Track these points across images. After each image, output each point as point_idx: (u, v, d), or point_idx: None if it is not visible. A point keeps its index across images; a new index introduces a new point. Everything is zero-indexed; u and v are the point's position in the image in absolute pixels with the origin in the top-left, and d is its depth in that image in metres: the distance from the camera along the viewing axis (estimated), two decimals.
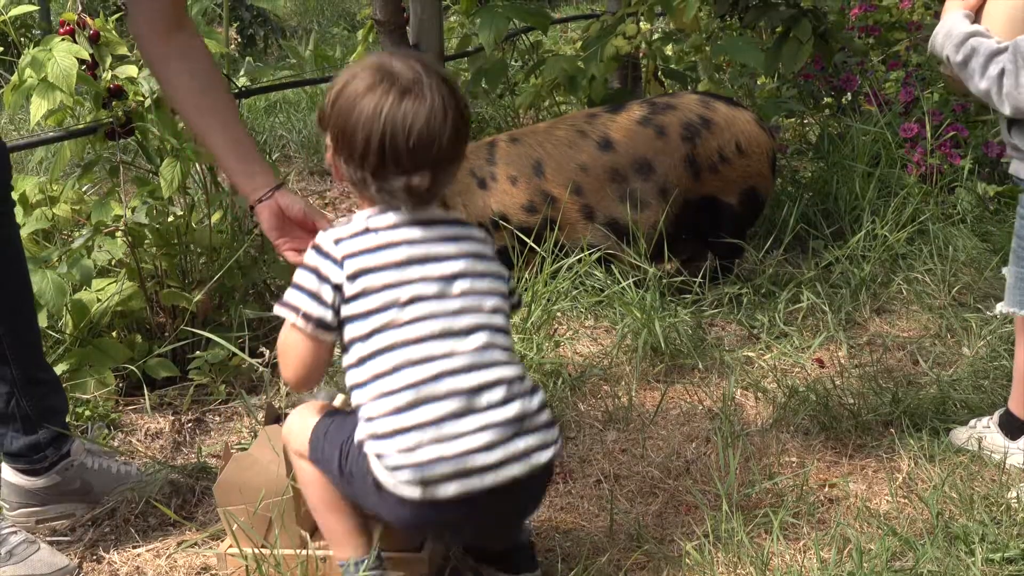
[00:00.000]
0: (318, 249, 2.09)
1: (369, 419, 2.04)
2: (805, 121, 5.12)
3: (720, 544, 2.34)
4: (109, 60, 3.21)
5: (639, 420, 2.96)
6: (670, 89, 4.74)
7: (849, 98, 4.81)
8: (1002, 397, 2.76)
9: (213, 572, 2.43)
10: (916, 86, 4.43)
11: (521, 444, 2.04)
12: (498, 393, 2.04)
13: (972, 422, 2.71)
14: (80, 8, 3.23)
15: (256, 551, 2.32)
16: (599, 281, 3.43)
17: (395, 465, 2.01)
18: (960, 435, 2.69)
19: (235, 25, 8.17)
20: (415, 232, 2.09)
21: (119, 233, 3.27)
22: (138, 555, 2.52)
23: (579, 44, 4.53)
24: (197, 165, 3.38)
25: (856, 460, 2.71)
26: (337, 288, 2.05)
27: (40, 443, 2.56)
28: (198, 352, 3.26)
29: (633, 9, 4.04)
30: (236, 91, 3.68)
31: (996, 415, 2.67)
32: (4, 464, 2.58)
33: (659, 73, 4.44)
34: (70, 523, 2.63)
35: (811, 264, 3.77)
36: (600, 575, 2.29)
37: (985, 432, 2.65)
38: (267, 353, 3.25)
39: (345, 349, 2.09)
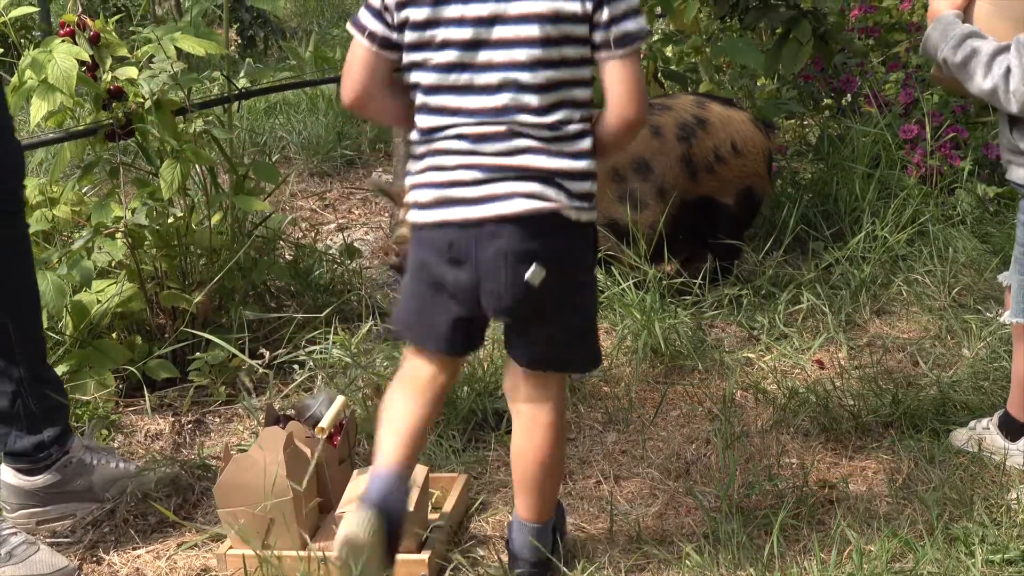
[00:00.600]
0: None
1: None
2: (805, 122, 5.12)
3: (720, 545, 2.34)
4: (109, 62, 3.21)
5: (639, 421, 2.96)
6: (670, 90, 4.74)
7: (849, 99, 4.81)
8: (1002, 398, 2.76)
9: (213, 573, 2.43)
10: (916, 87, 4.42)
11: (513, 187, 2.05)
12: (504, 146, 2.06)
13: (972, 423, 2.72)
14: (80, 10, 3.23)
15: (256, 552, 2.32)
16: (599, 282, 3.42)
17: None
18: (960, 436, 2.69)
19: (235, 26, 8.16)
20: None
21: (119, 234, 3.26)
22: (138, 556, 2.52)
23: None
24: (197, 167, 3.38)
25: (856, 461, 2.71)
26: (387, 10, 2.11)
27: (44, 442, 2.57)
28: (198, 353, 3.26)
29: None
30: (236, 92, 3.68)
31: (995, 416, 2.67)
32: (4, 466, 2.58)
33: (659, 74, 4.44)
34: (70, 524, 2.63)
35: (811, 265, 3.77)
36: None
37: (984, 434, 2.66)
38: (267, 354, 3.25)
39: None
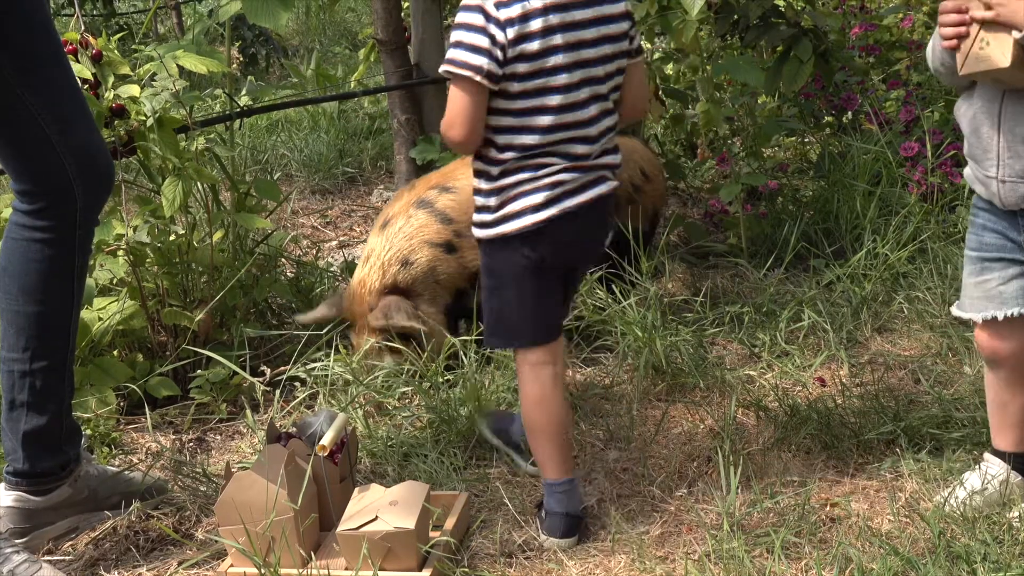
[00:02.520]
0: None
1: None
2: (806, 140, 5.13)
3: (722, 563, 2.33)
4: (111, 79, 3.22)
5: (640, 439, 2.96)
6: (670, 108, 4.75)
7: (850, 117, 4.81)
8: None
9: None
10: (917, 105, 4.43)
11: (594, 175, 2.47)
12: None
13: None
14: (83, 28, 3.24)
15: (258, 570, 2.32)
16: (601, 300, 3.42)
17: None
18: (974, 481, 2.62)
19: (237, 44, 8.18)
20: None
21: (121, 252, 3.27)
22: (138, 574, 2.51)
23: None
24: (199, 184, 3.39)
25: (858, 479, 2.71)
26: (498, 46, 2.36)
27: (69, 458, 2.58)
28: (199, 371, 3.26)
29: None
30: (237, 110, 3.69)
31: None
32: (5, 493, 2.57)
33: (660, 92, 4.45)
34: (71, 542, 2.63)
35: (812, 283, 3.78)
36: None
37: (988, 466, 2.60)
38: (268, 372, 3.26)
39: None
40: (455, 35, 2.37)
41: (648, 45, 4.26)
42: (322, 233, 4.84)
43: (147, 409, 3.19)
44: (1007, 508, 2.47)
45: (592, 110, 2.42)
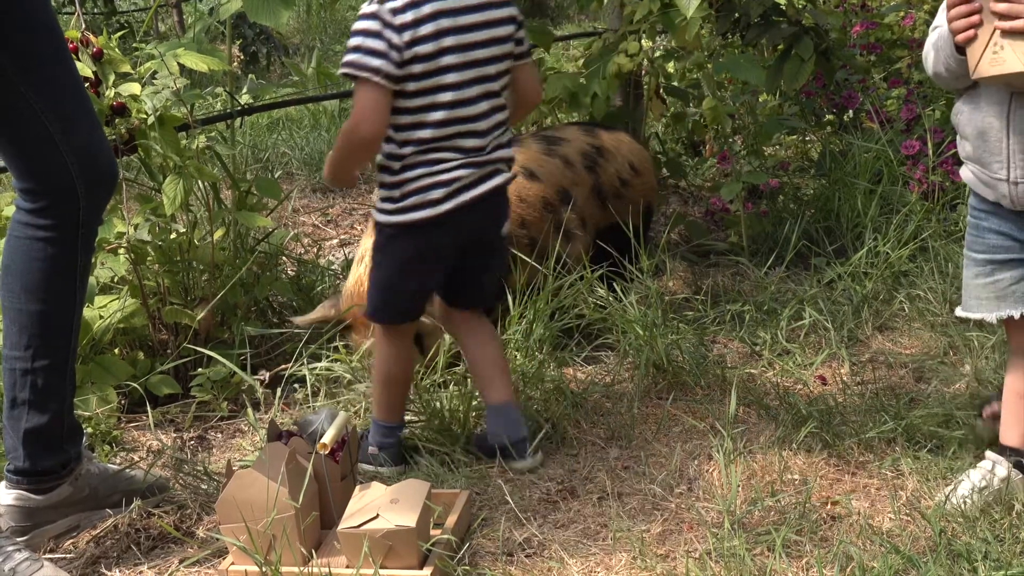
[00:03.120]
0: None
1: None
2: (807, 138, 5.13)
3: (723, 562, 2.33)
4: (112, 78, 3.22)
5: (641, 437, 2.96)
6: (671, 107, 4.74)
7: (851, 115, 4.81)
8: None
9: None
10: (918, 103, 4.43)
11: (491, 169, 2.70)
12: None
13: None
14: (84, 26, 3.24)
15: (259, 568, 2.32)
16: (602, 299, 3.42)
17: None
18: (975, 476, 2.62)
19: (238, 43, 8.19)
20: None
21: (122, 250, 3.27)
22: (140, 572, 2.51)
23: (581, 61, 4.53)
24: (200, 182, 3.39)
25: (859, 478, 2.70)
26: (395, 49, 2.57)
27: (70, 457, 2.58)
28: (200, 369, 3.26)
29: (635, 27, 4.05)
30: (238, 108, 3.69)
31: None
32: (7, 491, 2.57)
33: (661, 90, 4.45)
34: (72, 540, 2.63)
35: (813, 281, 3.78)
36: None
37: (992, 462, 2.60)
38: (266, 375, 3.26)
39: None
40: (354, 41, 2.58)
41: (649, 43, 4.25)
42: (323, 231, 4.84)
43: (148, 407, 3.19)
44: (1008, 506, 2.47)
45: (483, 106, 2.65)
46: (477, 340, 2.89)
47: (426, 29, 2.56)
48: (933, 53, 2.43)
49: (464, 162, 2.65)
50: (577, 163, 3.53)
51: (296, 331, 3.39)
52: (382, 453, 2.84)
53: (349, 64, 2.57)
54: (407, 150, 2.64)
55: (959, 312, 2.60)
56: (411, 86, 2.58)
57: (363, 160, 2.72)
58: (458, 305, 2.90)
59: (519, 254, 3.26)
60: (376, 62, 2.54)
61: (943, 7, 2.37)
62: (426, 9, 2.56)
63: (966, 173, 2.50)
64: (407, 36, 2.55)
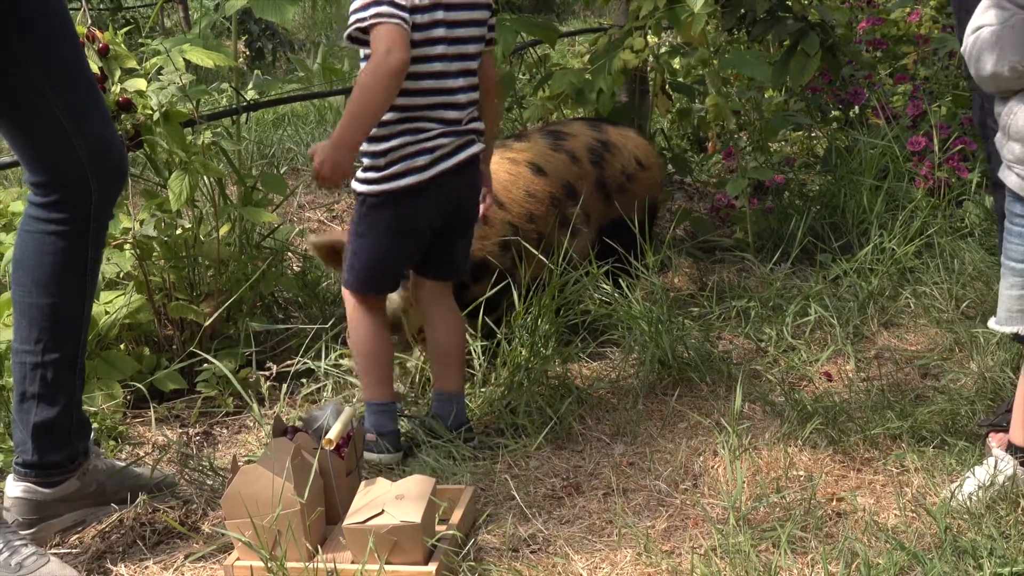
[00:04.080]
0: None
1: None
2: (812, 134, 5.12)
3: (728, 558, 2.33)
4: (118, 73, 3.22)
5: (646, 434, 2.96)
6: (677, 103, 4.74)
7: (857, 111, 4.81)
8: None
9: None
10: (924, 99, 4.43)
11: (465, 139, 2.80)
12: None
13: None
14: (90, 22, 3.24)
15: (264, 563, 2.32)
16: (607, 295, 3.42)
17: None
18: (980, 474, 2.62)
19: (243, 38, 8.19)
20: None
21: (127, 246, 3.27)
22: (145, 567, 2.52)
23: (587, 57, 4.53)
24: (205, 178, 3.39)
25: (864, 474, 2.70)
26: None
27: (78, 452, 2.59)
28: (205, 364, 3.26)
29: (641, 23, 4.05)
30: (244, 104, 3.69)
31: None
32: (15, 483, 2.58)
33: (667, 86, 4.44)
34: (78, 534, 2.64)
35: (819, 277, 3.77)
36: None
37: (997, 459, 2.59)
38: (273, 368, 3.26)
39: None
40: None
41: (654, 39, 4.25)
42: (328, 227, 4.84)
43: (152, 403, 3.19)
44: (1014, 503, 2.47)
45: (461, 81, 2.78)
46: (445, 326, 2.95)
47: (425, 1, 2.69)
48: (992, 54, 2.34)
49: (445, 131, 2.77)
50: (583, 158, 3.52)
51: (302, 327, 3.39)
52: (382, 440, 2.85)
53: (377, 13, 2.62)
54: (391, 115, 2.73)
55: (992, 324, 2.55)
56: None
57: (390, 98, 2.69)
58: (428, 275, 2.95)
59: (527, 247, 3.26)
60: (403, 13, 2.64)
61: (983, 5, 2.32)
62: None
63: (1012, 178, 2.43)
64: (416, 2, 2.67)
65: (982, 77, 2.39)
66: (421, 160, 2.75)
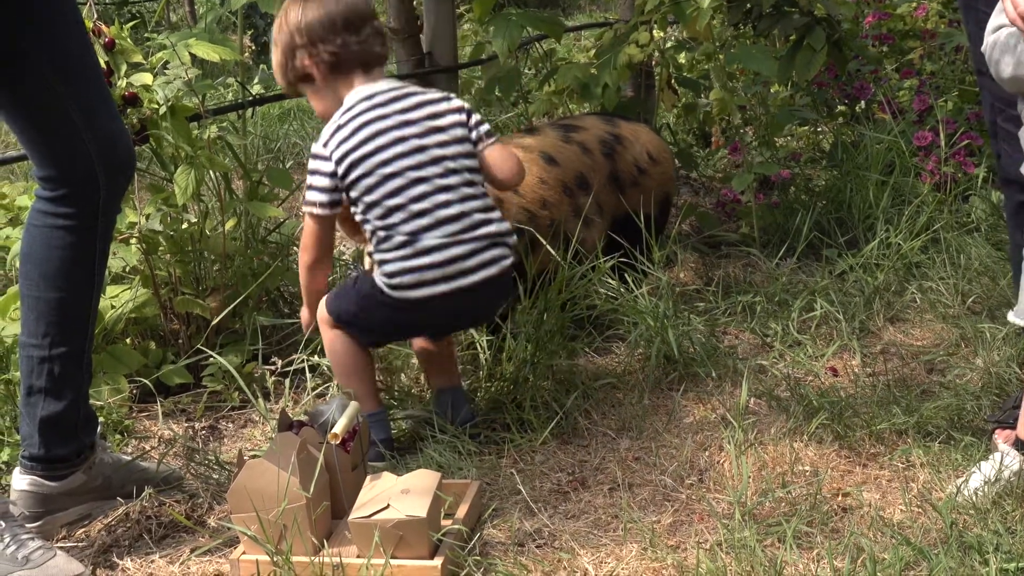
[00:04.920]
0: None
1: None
2: (818, 129, 5.11)
3: (733, 553, 2.33)
4: (124, 68, 3.22)
5: (652, 428, 2.96)
6: (683, 97, 4.74)
7: (863, 106, 4.80)
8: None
9: None
10: (930, 94, 4.42)
11: (488, 255, 2.76)
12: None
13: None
14: (95, 16, 3.24)
15: (270, 558, 2.33)
16: (612, 289, 3.42)
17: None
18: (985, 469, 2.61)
19: (249, 32, 8.19)
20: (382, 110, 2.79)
21: (133, 240, 3.28)
22: (151, 561, 2.52)
23: (592, 52, 4.53)
24: (211, 172, 3.39)
25: (870, 469, 2.70)
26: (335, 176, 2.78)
27: (85, 446, 2.60)
28: (211, 359, 3.27)
29: (646, 17, 4.04)
30: (250, 98, 3.69)
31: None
32: (21, 476, 2.59)
33: (672, 81, 4.44)
34: (84, 528, 2.64)
35: (825, 272, 3.77)
36: None
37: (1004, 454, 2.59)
38: (279, 362, 3.26)
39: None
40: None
41: (660, 34, 4.25)
42: None
43: (159, 397, 3.20)
44: (1020, 498, 2.47)
45: (445, 196, 2.75)
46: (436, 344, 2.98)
47: (360, 151, 2.74)
48: (1011, 55, 2.30)
49: (443, 243, 2.72)
50: (595, 150, 3.52)
51: None
52: (375, 448, 2.84)
53: (305, 202, 2.81)
54: (382, 230, 2.74)
55: (1011, 317, 2.55)
56: (359, 195, 2.75)
57: (317, 280, 2.89)
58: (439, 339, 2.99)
59: (538, 236, 3.25)
60: (320, 197, 2.77)
61: (999, 5, 2.30)
62: (358, 134, 2.75)
63: None
64: (344, 164, 2.74)
65: (1002, 79, 2.38)
66: (431, 274, 2.73)
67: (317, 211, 2.76)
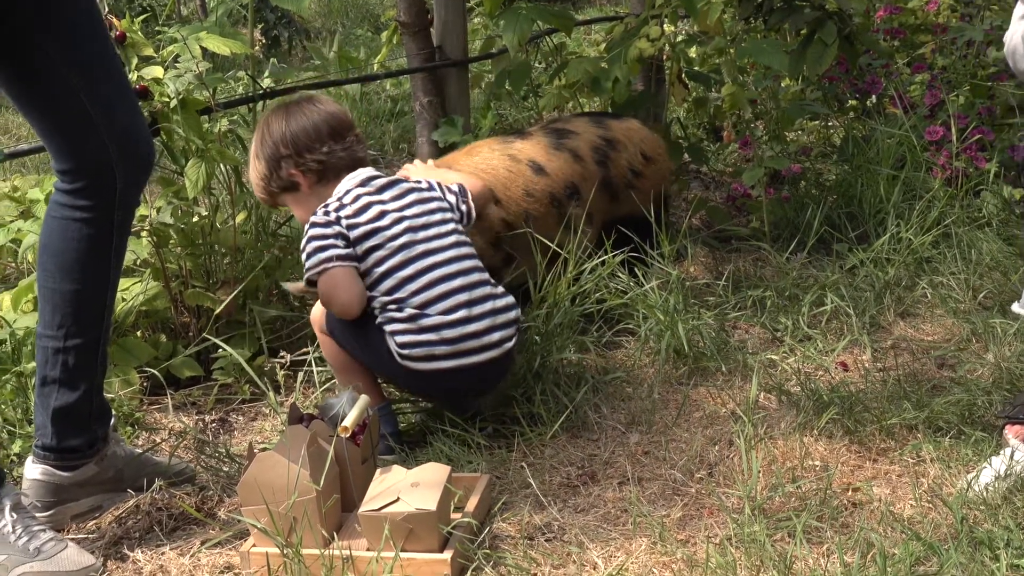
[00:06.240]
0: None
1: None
2: (829, 124, 5.10)
3: (743, 547, 2.33)
4: (135, 61, 3.23)
5: (662, 423, 2.96)
6: (694, 92, 4.73)
7: (874, 101, 4.79)
8: None
9: (236, 571, 2.44)
10: (941, 89, 4.41)
11: (496, 336, 2.80)
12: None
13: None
14: (107, 9, 3.24)
15: (280, 550, 2.33)
16: (623, 283, 3.42)
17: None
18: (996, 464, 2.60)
19: (260, 27, 8.20)
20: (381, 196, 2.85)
21: (144, 233, 3.28)
22: (162, 553, 2.53)
23: (603, 46, 4.53)
24: (222, 166, 3.40)
25: (880, 464, 2.70)
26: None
27: (97, 437, 2.61)
28: (221, 352, 3.27)
29: (657, 11, 4.04)
30: (260, 92, 3.70)
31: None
32: (33, 466, 2.60)
33: (683, 75, 4.44)
34: (96, 520, 2.65)
35: (835, 267, 3.76)
36: None
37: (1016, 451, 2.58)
38: (287, 356, 3.26)
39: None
40: (308, 247, 2.82)
41: (671, 28, 4.24)
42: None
43: (168, 390, 3.20)
44: None
45: (443, 271, 2.80)
46: None
47: (369, 225, 2.78)
48: None
49: (461, 316, 2.76)
50: (587, 157, 3.47)
51: None
52: (384, 442, 2.86)
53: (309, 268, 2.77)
54: (392, 303, 2.76)
55: (1016, 308, 2.55)
56: (369, 267, 2.78)
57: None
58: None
59: (514, 252, 3.25)
60: (334, 251, 2.76)
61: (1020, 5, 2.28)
62: (366, 212, 2.80)
63: None
64: (356, 232, 2.77)
65: (1019, 70, 2.38)
66: (439, 350, 2.75)
67: (336, 263, 2.75)
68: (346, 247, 2.76)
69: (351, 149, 2.87)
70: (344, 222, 2.77)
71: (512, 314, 2.85)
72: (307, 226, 2.80)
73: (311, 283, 2.77)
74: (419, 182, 2.94)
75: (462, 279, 2.79)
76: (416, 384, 2.86)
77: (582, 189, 3.43)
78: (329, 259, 2.74)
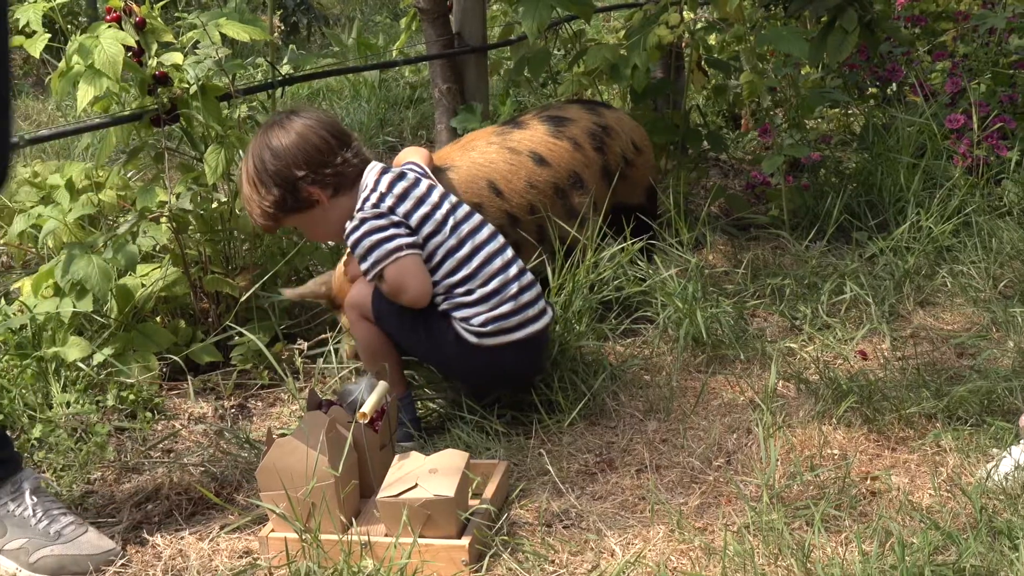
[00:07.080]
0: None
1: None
2: (850, 112, 5.08)
3: (761, 535, 2.33)
4: (155, 47, 3.23)
5: (680, 411, 2.95)
6: (713, 79, 4.71)
7: (894, 88, 4.77)
8: None
9: (255, 556, 2.45)
10: (963, 77, 4.38)
11: (541, 303, 2.88)
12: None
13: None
14: None
15: (298, 535, 2.34)
16: (641, 270, 3.41)
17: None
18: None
19: (279, 13, 8.19)
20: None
21: (163, 219, 3.29)
22: (181, 538, 2.54)
23: (622, 33, 4.51)
24: (241, 152, 3.40)
25: (899, 453, 2.69)
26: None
27: None
28: (239, 338, 3.28)
29: None
30: (279, 78, 3.70)
31: None
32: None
33: (702, 63, 4.42)
34: (114, 505, 2.66)
35: (855, 255, 3.75)
36: (640, 565, 2.29)
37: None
38: (304, 344, 3.28)
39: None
40: (365, 242, 2.80)
41: (690, 15, 4.22)
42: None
43: (188, 375, 3.21)
44: None
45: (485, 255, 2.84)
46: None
47: (421, 210, 2.79)
48: None
49: (517, 288, 2.82)
50: (586, 144, 3.45)
51: None
52: (406, 428, 2.86)
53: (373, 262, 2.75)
54: (457, 284, 2.78)
55: None
56: (430, 252, 2.79)
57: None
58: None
59: (528, 238, 3.24)
60: (402, 240, 2.76)
61: None
62: (408, 197, 2.80)
63: None
64: (413, 219, 2.78)
65: None
66: (512, 321, 2.80)
67: (407, 252, 2.74)
68: (409, 235, 2.76)
69: (359, 151, 2.86)
70: (399, 210, 2.77)
71: (538, 286, 2.90)
72: (354, 223, 2.76)
73: (376, 277, 2.75)
74: (411, 168, 2.94)
75: (503, 255, 2.84)
76: (478, 366, 2.83)
77: (586, 178, 3.41)
78: (399, 248, 2.73)
